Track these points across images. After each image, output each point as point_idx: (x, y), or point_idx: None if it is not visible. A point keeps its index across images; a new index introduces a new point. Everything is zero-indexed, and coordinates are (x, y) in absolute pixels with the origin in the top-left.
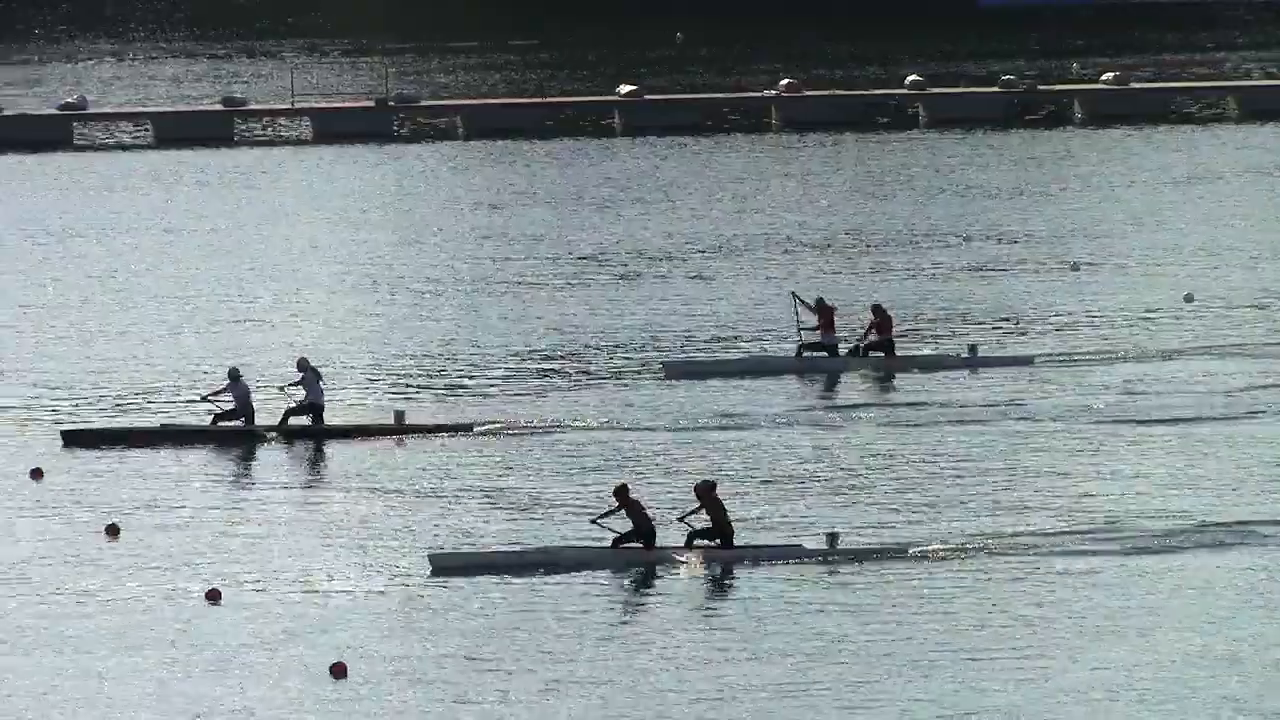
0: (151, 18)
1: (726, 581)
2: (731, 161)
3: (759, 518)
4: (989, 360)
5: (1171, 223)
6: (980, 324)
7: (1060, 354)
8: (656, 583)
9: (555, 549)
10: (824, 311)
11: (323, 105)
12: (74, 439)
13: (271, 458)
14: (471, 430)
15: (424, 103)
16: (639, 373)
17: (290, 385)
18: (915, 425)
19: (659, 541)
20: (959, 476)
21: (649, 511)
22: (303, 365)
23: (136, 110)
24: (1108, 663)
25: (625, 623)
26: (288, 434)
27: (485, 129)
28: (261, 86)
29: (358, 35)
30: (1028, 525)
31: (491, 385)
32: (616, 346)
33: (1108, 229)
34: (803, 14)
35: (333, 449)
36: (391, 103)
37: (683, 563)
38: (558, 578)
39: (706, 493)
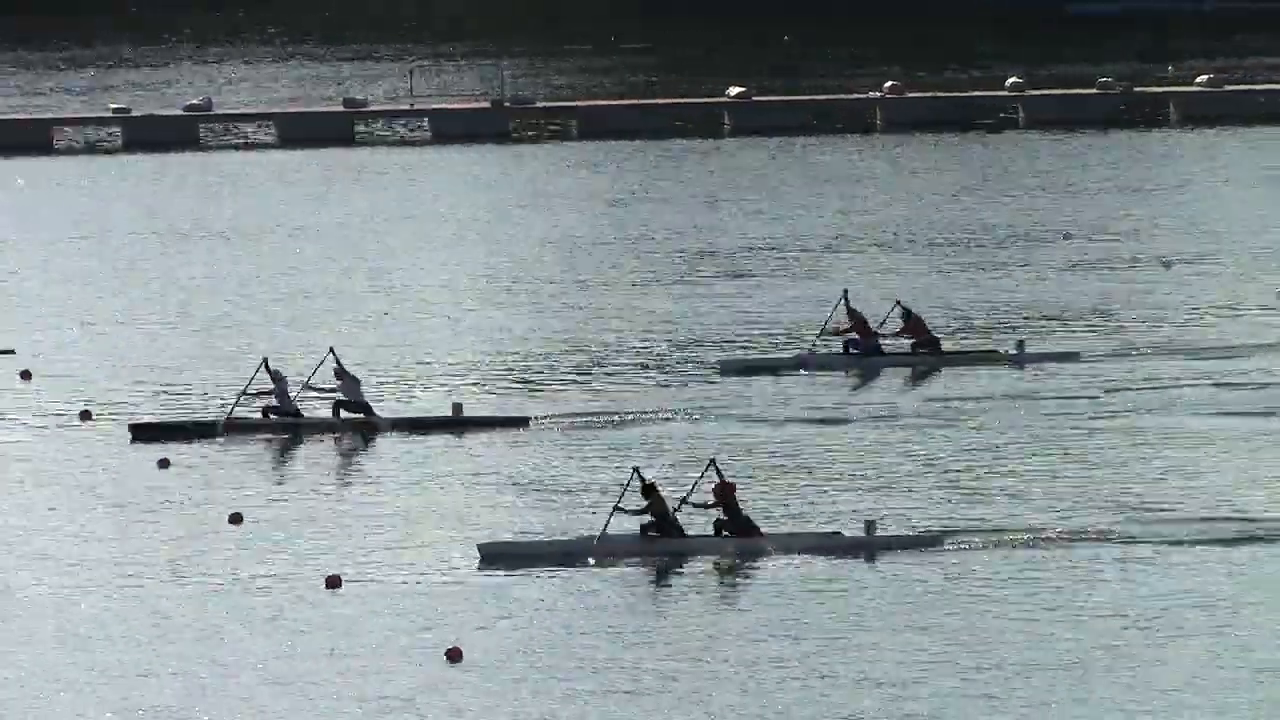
0: (276, 23)
1: (752, 569)
2: (837, 161)
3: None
4: (1034, 356)
5: (1270, 221)
6: (1083, 320)
7: (1150, 346)
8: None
9: (586, 538)
10: (856, 319)
11: (440, 106)
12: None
13: (386, 449)
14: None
15: (539, 104)
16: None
17: (320, 383)
18: (1052, 415)
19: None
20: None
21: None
22: (339, 372)
23: (260, 111)
24: (1152, 659)
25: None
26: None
27: (598, 129)
28: (381, 88)
29: (475, 38)
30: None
31: (608, 378)
32: (728, 340)
33: (1204, 227)
34: (903, 15)
35: (441, 440)
36: (507, 104)
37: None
38: (665, 570)
39: (725, 494)
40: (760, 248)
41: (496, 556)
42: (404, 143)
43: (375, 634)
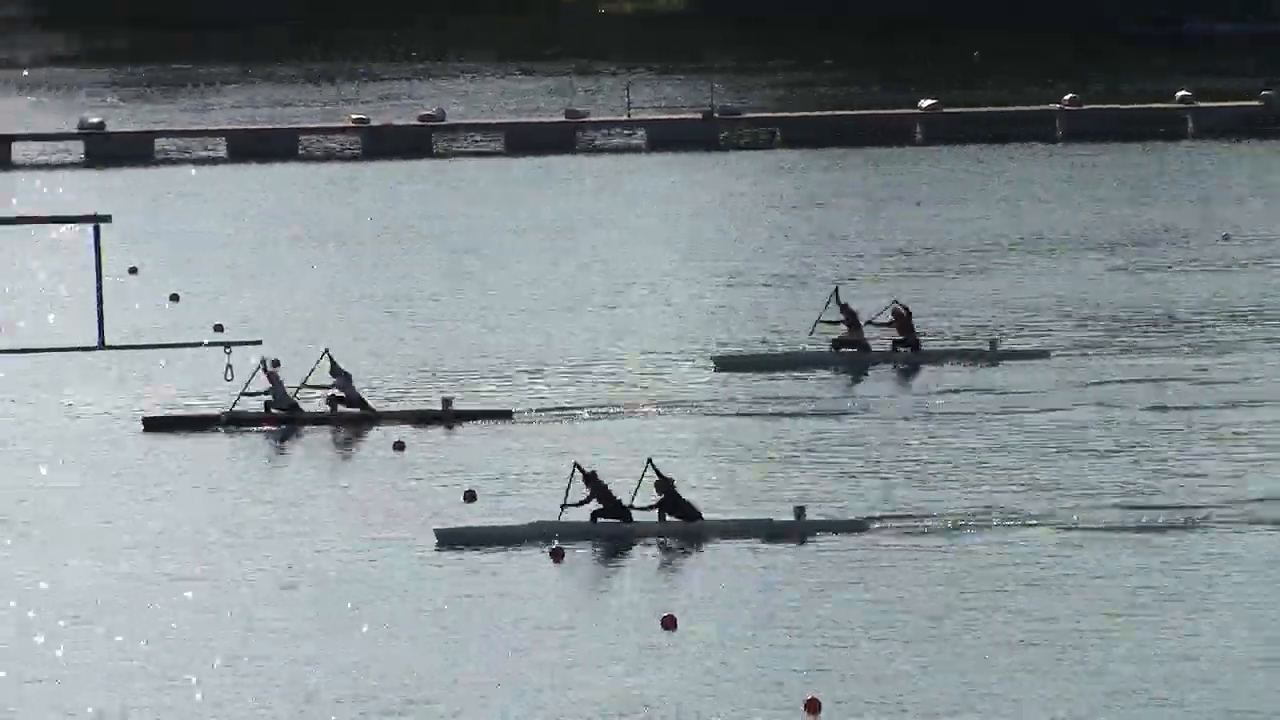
0: (504, 39)
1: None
2: (1020, 170)
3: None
4: (1006, 353)
5: None
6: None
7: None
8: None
9: (548, 524)
10: (849, 315)
11: (656, 117)
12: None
13: (602, 427)
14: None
15: (746, 115)
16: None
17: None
18: (1195, 405)
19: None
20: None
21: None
22: (334, 370)
23: (489, 121)
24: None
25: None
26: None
27: (800, 139)
28: (601, 100)
29: (688, 54)
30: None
31: (795, 371)
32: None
33: None
34: (1085, 30)
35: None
36: (717, 115)
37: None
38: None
39: (665, 489)
40: (948, 249)
41: (452, 539)
42: (621, 150)
43: (594, 603)
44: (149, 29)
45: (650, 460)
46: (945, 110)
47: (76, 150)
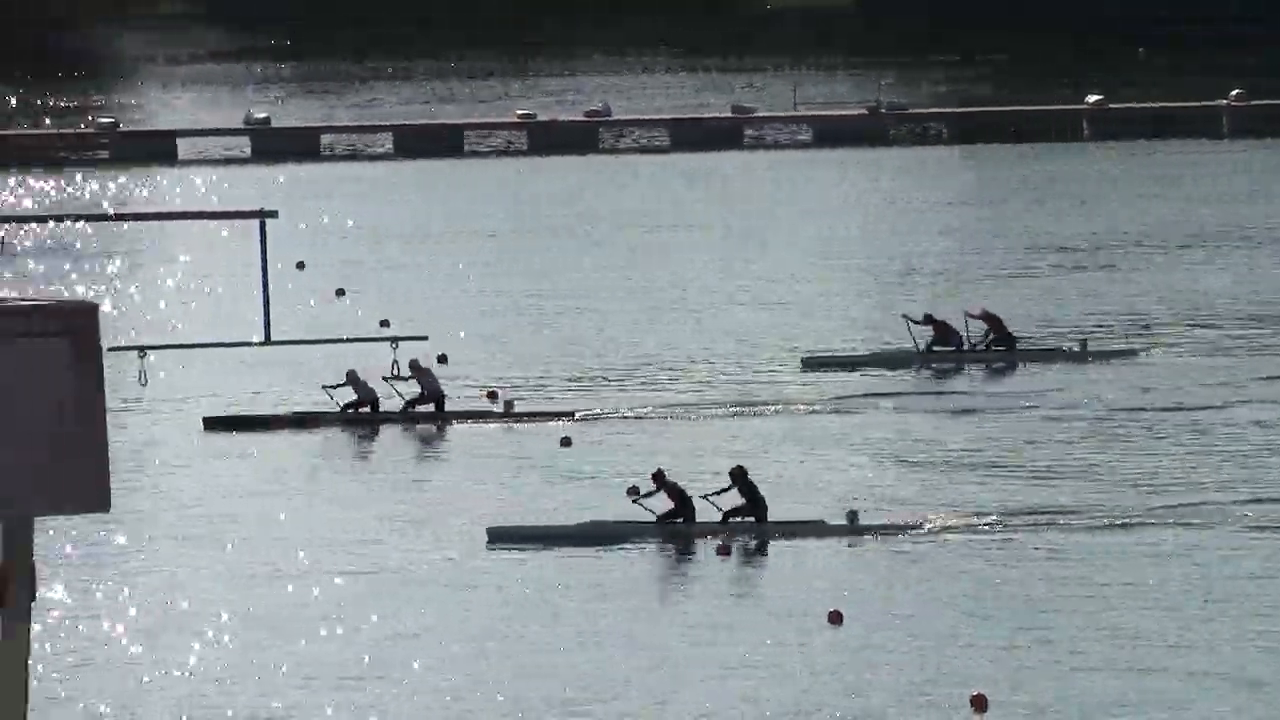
0: (670, 34)
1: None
2: (1186, 164)
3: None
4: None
5: None
6: None
7: None
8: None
9: (603, 523)
10: (936, 326)
11: (822, 113)
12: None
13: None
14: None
15: (913, 110)
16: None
17: (396, 380)
18: None
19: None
20: None
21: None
22: (414, 365)
23: (653, 117)
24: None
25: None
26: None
27: (966, 134)
28: (767, 96)
29: (853, 50)
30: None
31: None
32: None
33: None
34: (1256, 25)
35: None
36: (884, 110)
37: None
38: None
39: (740, 476)
40: (1112, 244)
41: (504, 537)
42: (788, 146)
43: (761, 598)
44: (315, 25)
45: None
46: (1111, 106)
47: (243, 146)
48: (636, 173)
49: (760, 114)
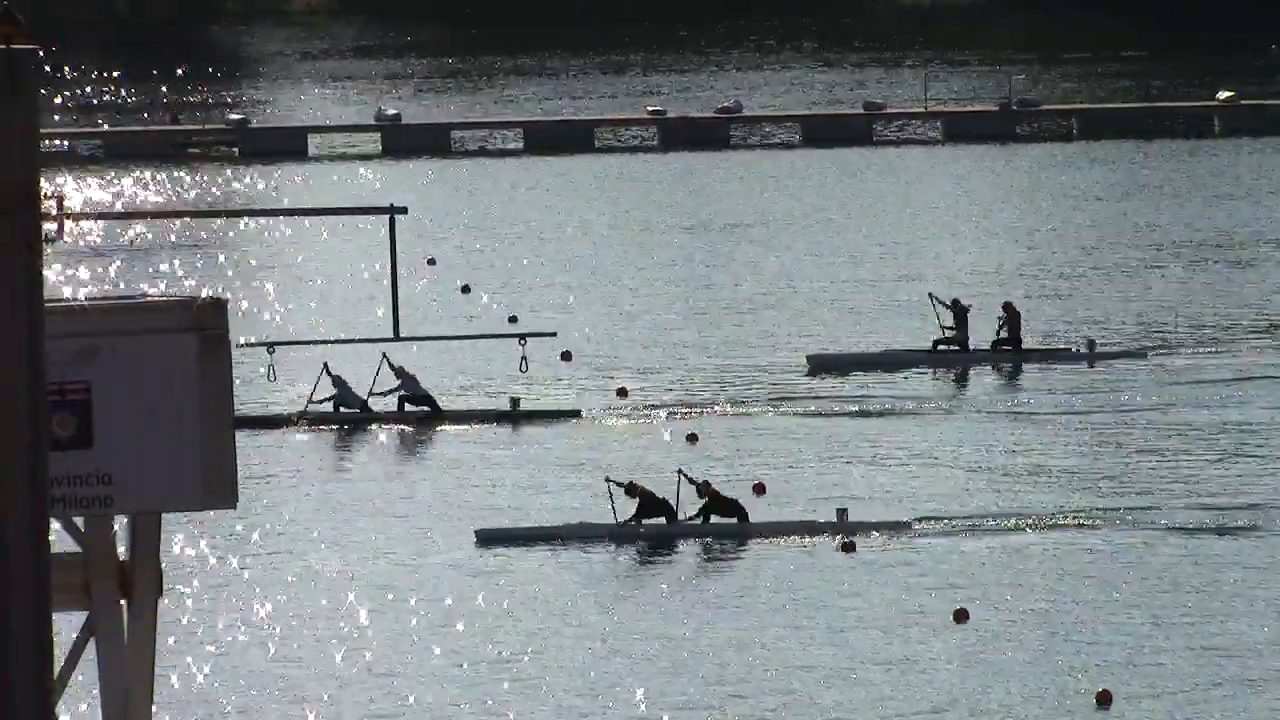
0: (804, 29)
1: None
2: None
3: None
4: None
5: None
6: None
7: None
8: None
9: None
10: (959, 311)
11: (953, 109)
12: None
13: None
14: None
15: (1043, 106)
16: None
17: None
18: None
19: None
20: None
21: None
22: (400, 372)
23: (786, 114)
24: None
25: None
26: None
27: (1096, 130)
28: (898, 92)
29: (985, 45)
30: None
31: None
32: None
33: None
34: None
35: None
36: (1015, 107)
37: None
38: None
39: (706, 489)
40: (1246, 241)
41: (491, 540)
42: (918, 142)
43: (888, 596)
44: (447, 20)
45: (681, 470)
46: (1243, 102)
47: (373, 142)
48: (767, 169)
49: (891, 110)
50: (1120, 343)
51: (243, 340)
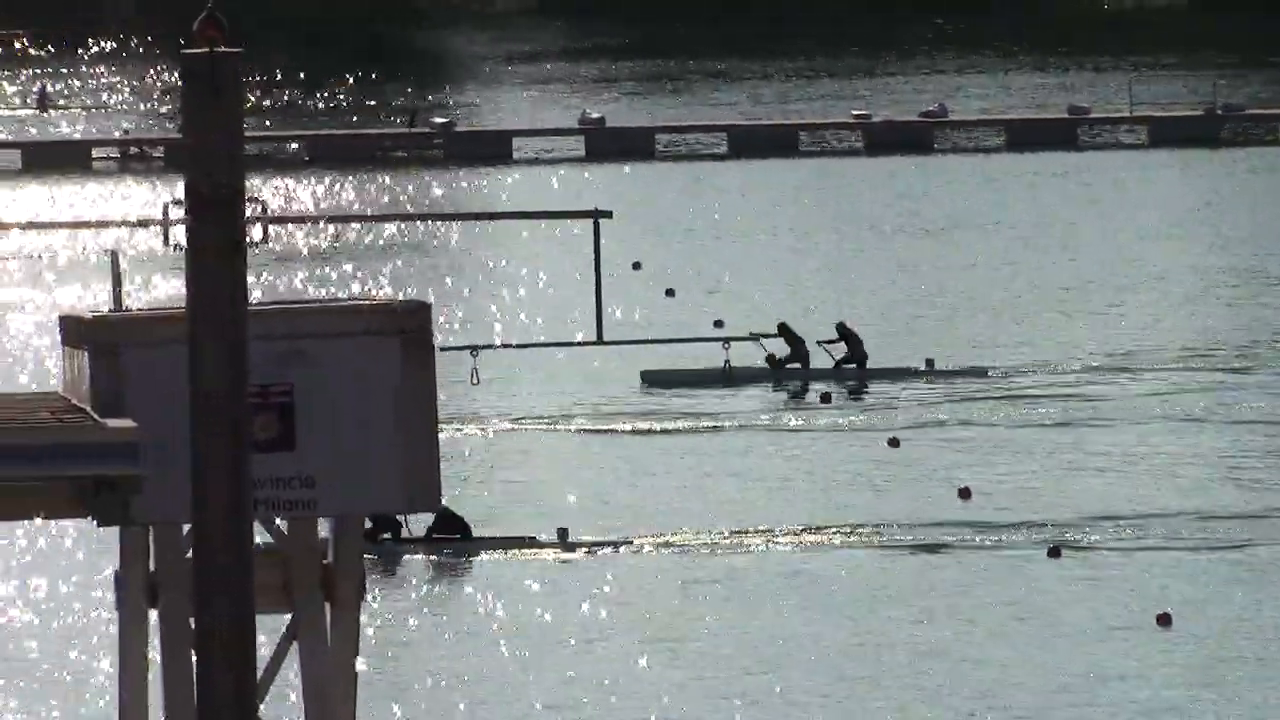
0: (1008, 33)
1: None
2: None
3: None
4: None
5: None
6: None
7: None
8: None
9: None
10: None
11: (1158, 114)
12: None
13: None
14: None
15: (1250, 111)
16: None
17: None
18: None
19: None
20: None
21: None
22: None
23: (989, 118)
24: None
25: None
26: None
27: None
28: (1103, 96)
29: (1190, 48)
30: None
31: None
32: None
33: None
34: None
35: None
36: (1220, 111)
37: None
38: None
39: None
40: None
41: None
42: (1122, 147)
43: (1091, 600)
44: (650, 23)
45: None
46: None
47: (577, 145)
48: (972, 173)
49: (1095, 114)
50: None
51: (446, 343)
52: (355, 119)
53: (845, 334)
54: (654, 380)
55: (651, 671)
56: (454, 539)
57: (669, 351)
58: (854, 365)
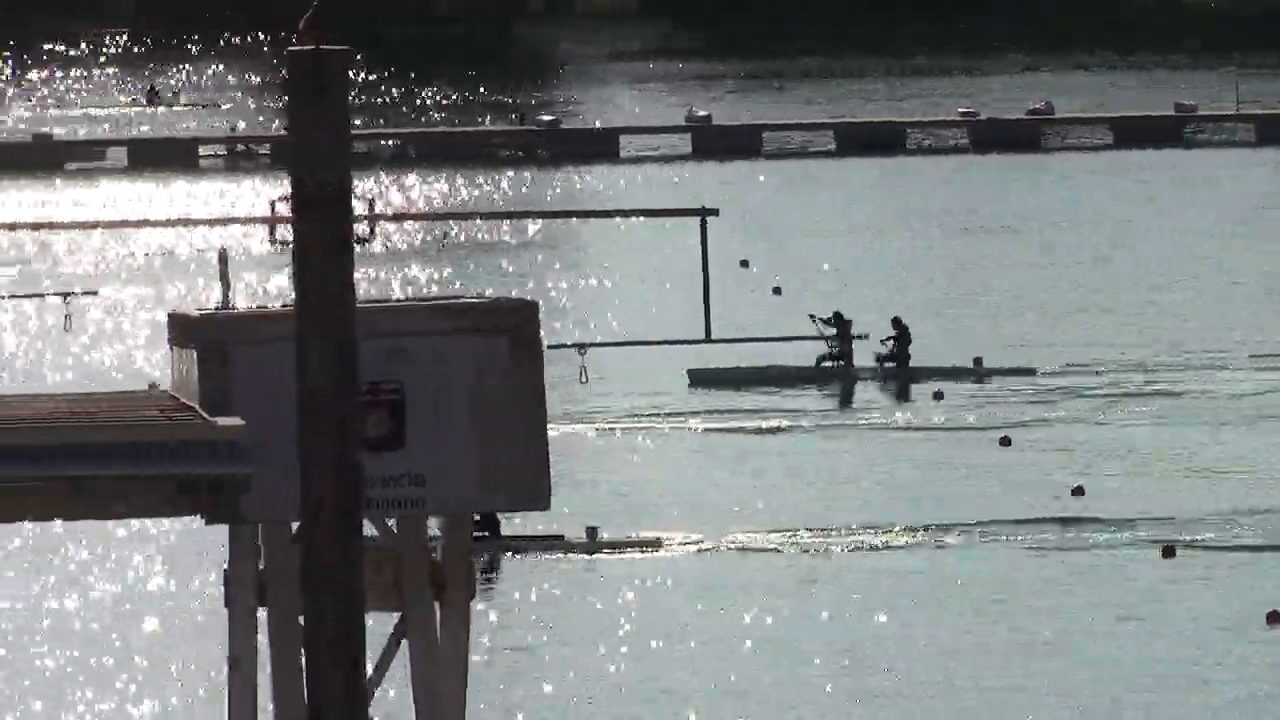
0: (1111, 30)
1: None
2: None
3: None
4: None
5: None
6: None
7: None
8: None
9: None
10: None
11: (1266, 111)
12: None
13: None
14: None
15: None
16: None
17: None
18: None
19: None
20: None
21: None
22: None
23: (1096, 115)
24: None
25: None
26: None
27: None
28: (1210, 94)
29: None
30: None
31: None
32: None
33: None
34: None
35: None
36: None
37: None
38: None
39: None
40: None
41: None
42: (1229, 145)
43: (1201, 598)
44: (756, 20)
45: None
46: None
47: (683, 143)
48: (1078, 170)
49: (1202, 112)
50: None
51: (554, 341)
52: (460, 117)
53: (899, 330)
54: (698, 379)
55: (770, 671)
56: (483, 537)
57: (776, 349)
58: (895, 364)
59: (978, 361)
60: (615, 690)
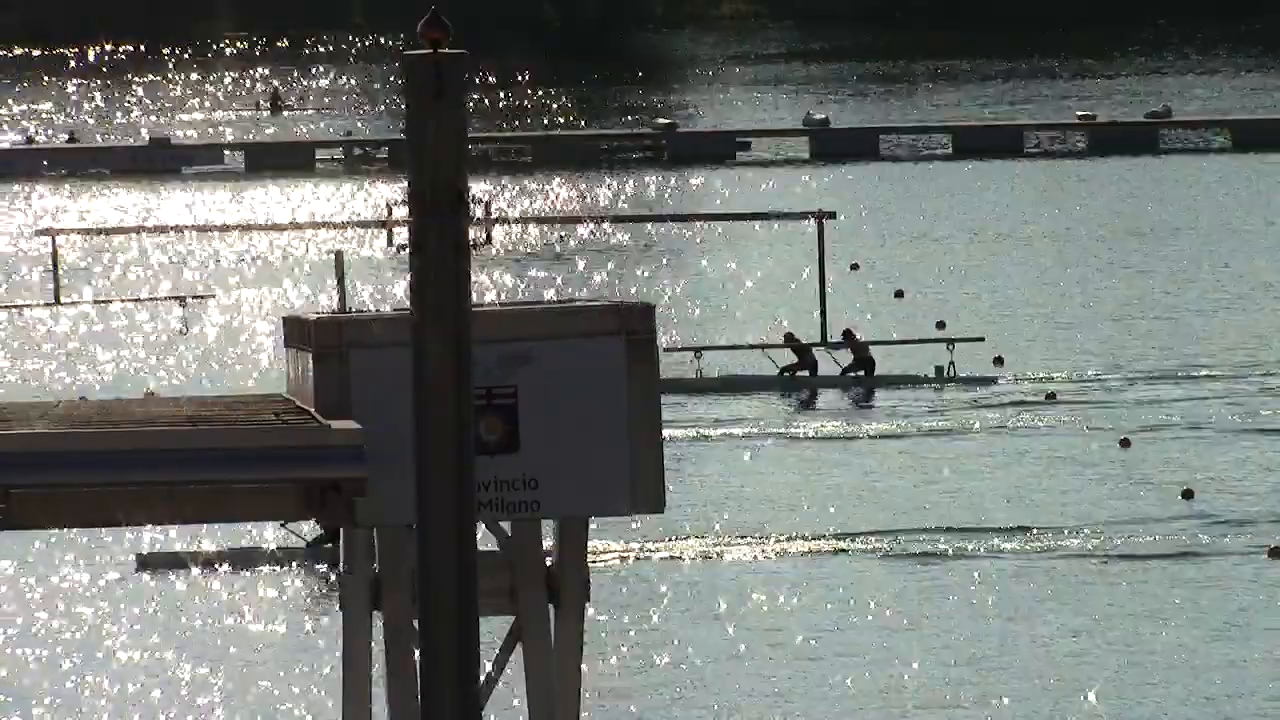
0: (1232, 34)
1: None
2: None
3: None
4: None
5: None
6: None
7: None
8: None
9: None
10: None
11: None
12: None
13: None
14: None
15: None
16: None
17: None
18: None
19: None
20: None
21: None
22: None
23: (1215, 118)
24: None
25: None
26: None
27: None
28: None
29: None
30: None
31: None
32: None
33: None
34: None
35: None
36: None
37: None
38: None
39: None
40: None
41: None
42: None
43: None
44: (875, 25)
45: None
46: None
47: (802, 146)
48: (1197, 173)
49: None
50: None
51: (670, 344)
52: (578, 120)
53: (851, 341)
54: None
55: (921, 667)
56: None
57: (892, 352)
58: (861, 372)
59: (939, 371)
60: (736, 695)
